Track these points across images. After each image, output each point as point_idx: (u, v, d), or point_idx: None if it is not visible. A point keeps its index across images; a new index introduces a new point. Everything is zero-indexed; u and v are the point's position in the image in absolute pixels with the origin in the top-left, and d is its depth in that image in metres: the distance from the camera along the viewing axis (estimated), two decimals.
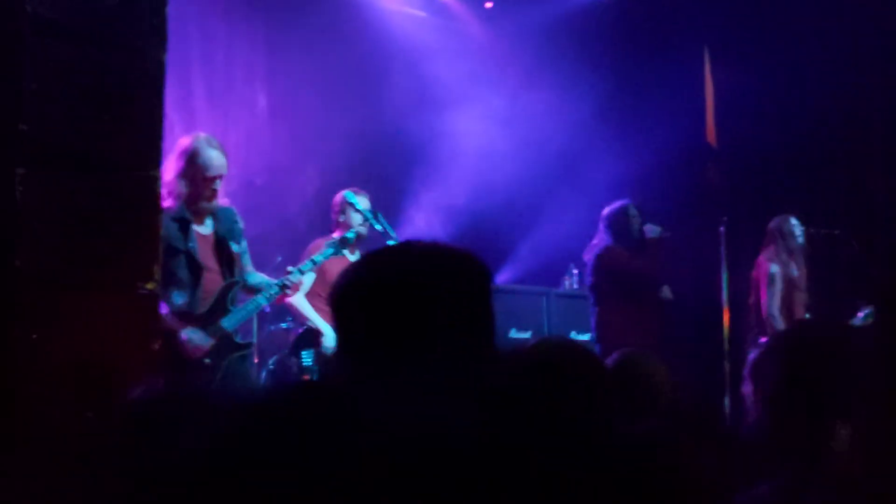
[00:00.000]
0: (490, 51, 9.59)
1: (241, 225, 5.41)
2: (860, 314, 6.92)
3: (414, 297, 1.75)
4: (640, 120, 9.17)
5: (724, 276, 7.10)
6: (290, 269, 5.58)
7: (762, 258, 7.30)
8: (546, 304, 8.23)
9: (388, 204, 7.50)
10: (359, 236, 6.37)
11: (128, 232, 3.24)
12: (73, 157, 3.20)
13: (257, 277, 5.46)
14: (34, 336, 3.02)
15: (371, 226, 6.35)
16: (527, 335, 7.63)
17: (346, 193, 6.53)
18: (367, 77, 8.84)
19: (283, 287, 5.37)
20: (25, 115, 3.12)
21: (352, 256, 6.38)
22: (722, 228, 7.22)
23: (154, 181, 3.37)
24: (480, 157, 8.80)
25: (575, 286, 8.66)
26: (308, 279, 6.31)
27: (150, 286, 3.28)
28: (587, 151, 9.13)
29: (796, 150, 8.78)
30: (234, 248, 5.26)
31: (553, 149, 9.14)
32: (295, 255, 7.43)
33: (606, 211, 7.34)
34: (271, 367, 7.00)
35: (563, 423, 1.99)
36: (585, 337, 7.48)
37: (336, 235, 6.43)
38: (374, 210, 6.42)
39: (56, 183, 3.16)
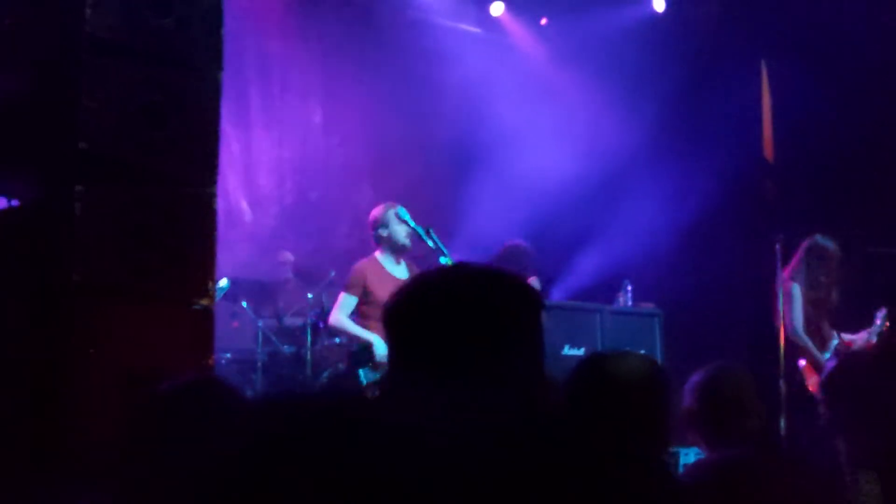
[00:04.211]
0: (546, 66, 9.59)
1: None
2: (878, 320, 6.82)
3: (464, 320, 1.77)
4: (697, 134, 9.10)
5: (795, 293, 6.96)
6: None
7: (786, 274, 7.13)
8: (600, 320, 8.16)
9: (443, 218, 7.51)
10: (402, 248, 6.37)
11: (182, 247, 3.28)
12: (130, 173, 3.26)
13: None
14: (90, 349, 3.07)
15: (423, 242, 6.32)
16: (580, 352, 7.58)
17: (382, 209, 6.46)
18: (421, 93, 8.88)
19: None
20: (84, 133, 3.17)
21: (397, 268, 6.38)
22: (778, 245, 7.12)
23: (210, 197, 3.41)
24: (536, 172, 8.79)
25: (629, 303, 8.60)
26: (351, 302, 6.34)
27: (204, 302, 3.32)
28: (644, 167, 9.08)
29: (854, 166, 8.65)
30: None
31: (609, 164, 9.10)
32: (349, 268, 7.49)
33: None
34: (325, 380, 7.04)
35: (609, 449, 1.98)
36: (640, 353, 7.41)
37: (378, 253, 6.43)
38: (427, 226, 6.36)
39: (113, 198, 3.21)
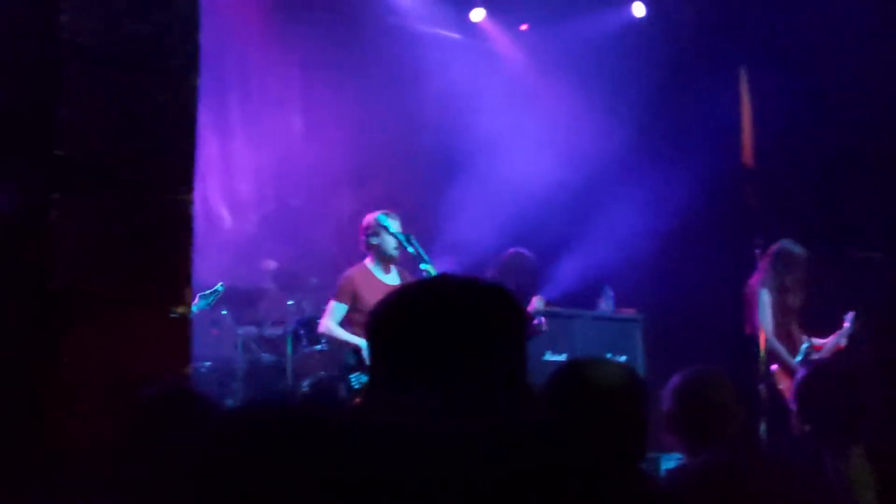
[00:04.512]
0: (527, 72, 9.60)
1: None
2: (846, 323, 6.87)
3: (446, 331, 1.78)
4: (677, 140, 9.12)
5: (764, 298, 7.01)
6: None
7: (755, 280, 7.16)
8: (581, 326, 8.18)
9: (424, 225, 7.50)
10: (390, 258, 6.37)
11: (159, 254, 3.27)
12: (106, 180, 3.24)
13: None
14: (66, 357, 3.05)
15: (404, 249, 6.32)
16: (561, 357, 7.59)
17: (378, 216, 6.44)
18: (402, 99, 8.88)
19: None
20: (60, 139, 3.16)
21: (387, 276, 6.38)
22: (757, 251, 7.15)
23: (187, 204, 3.40)
24: (518, 178, 8.79)
25: (611, 308, 8.61)
26: (341, 310, 6.34)
27: (181, 309, 3.30)
28: (625, 172, 9.10)
29: (833, 172, 8.69)
30: None
31: (590, 170, 9.11)
32: (330, 276, 7.47)
33: None
34: (306, 388, 7.01)
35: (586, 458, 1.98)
36: (621, 359, 7.42)
37: (368, 261, 6.43)
38: (408, 233, 6.36)
39: (89, 205, 3.19)
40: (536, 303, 7.13)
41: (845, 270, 7.25)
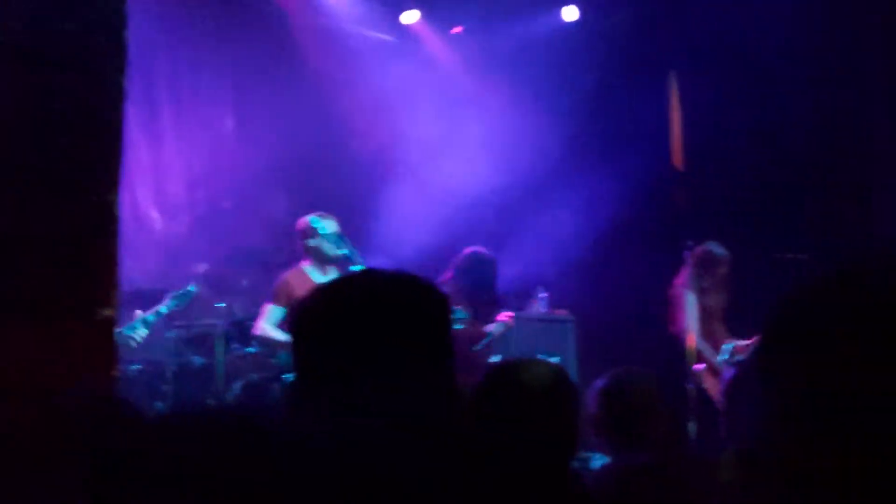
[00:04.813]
0: (460, 75, 9.62)
1: None
2: (724, 352, 6.92)
3: (372, 326, 1.78)
4: (609, 144, 9.21)
5: (689, 300, 7.10)
6: (139, 314, 5.74)
7: (679, 282, 7.27)
8: (514, 327, 8.20)
9: (357, 228, 7.48)
10: (328, 260, 6.32)
11: (84, 257, 3.21)
12: (29, 181, 3.17)
13: None
14: None
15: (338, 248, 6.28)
16: (495, 358, 7.60)
17: (310, 219, 6.40)
18: (335, 100, 8.84)
19: (127, 338, 5.64)
20: None
21: (324, 279, 6.32)
22: (687, 253, 7.24)
23: (112, 205, 3.34)
24: (451, 180, 8.80)
25: (543, 310, 8.65)
26: (277, 312, 6.28)
27: (107, 312, 3.25)
28: (558, 176, 9.15)
29: (762, 174, 8.83)
30: None
31: (524, 173, 9.15)
32: (262, 279, 7.41)
33: None
34: (237, 391, 6.94)
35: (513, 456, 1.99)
36: (554, 360, 7.45)
37: (305, 263, 6.38)
38: (341, 233, 6.33)
39: (9, 206, 3.12)
40: (495, 327, 7.16)
41: (772, 272, 7.37)
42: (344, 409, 1.71)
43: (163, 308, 6.13)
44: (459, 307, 6.61)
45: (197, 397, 6.64)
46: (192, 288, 6.51)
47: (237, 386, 6.98)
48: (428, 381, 1.80)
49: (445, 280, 7.16)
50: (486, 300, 7.18)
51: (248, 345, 7.06)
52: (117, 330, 5.65)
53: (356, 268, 6.11)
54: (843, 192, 8.82)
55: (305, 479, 1.01)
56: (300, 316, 1.88)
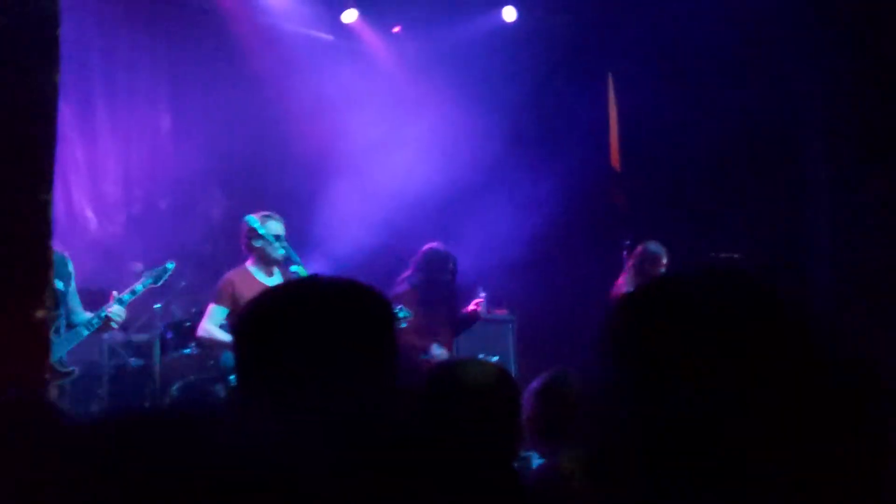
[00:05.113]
0: (400, 75, 9.61)
1: (71, 269, 5.69)
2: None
3: (315, 330, 1.79)
4: (549, 143, 9.27)
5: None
6: (115, 294, 5.71)
7: (620, 281, 7.34)
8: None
9: (297, 227, 7.42)
10: (273, 261, 6.24)
11: (15, 257, 3.15)
12: None
13: (83, 317, 5.72)
14: None
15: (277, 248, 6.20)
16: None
17: (252, 219, 6.29)
18: (272, 99, 8.77)
19: (107, 319, 5.60)
20: None
21: (269, 279, 6.25)
22: (625, 252, 7.31)
23: (45, 204, 3.28)
24: (391, 180, 8.79)
25: (484, 309, 8.67)
26: (220, 313, 6.19)
27: (40, 313, 3.19)
28: (498, 175, 9.18)
29: (698, 174, 8.95)
30: (59, 286, 5.40)
31: (464, 173, 9.17)
32: (200, 278, 7.33)
33: None
34: (175, 393, 6.87)
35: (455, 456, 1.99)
36: (494, 360, 7.49)
37: (249, 263, 6.29)
38: (278, 234, 6.23)
39: None
40: (482, 306, 7.35)
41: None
42: (286, 411, 1.71)
43: (138, 286, 5.99)
44: (401, 306, 6.60)
45: (133, 400, 6.56)
46: (170, 265, 6.34)
47: (175, 388, 6.90)
48: (370, 384, 1.82)
49: (404, 277, 7.17)
50: (443, 295, 7.21)
51: (186, 346, 6.98)
52: (97, 311, 5.70)
53: (294, 268, 6.06)
54: (775, 190, 8.96)
55: (243, 482, 1.00)
56: (243, 320, 1.88)
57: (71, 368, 5.66)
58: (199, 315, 6.94)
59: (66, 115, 7.92)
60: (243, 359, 1.87)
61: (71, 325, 5.66)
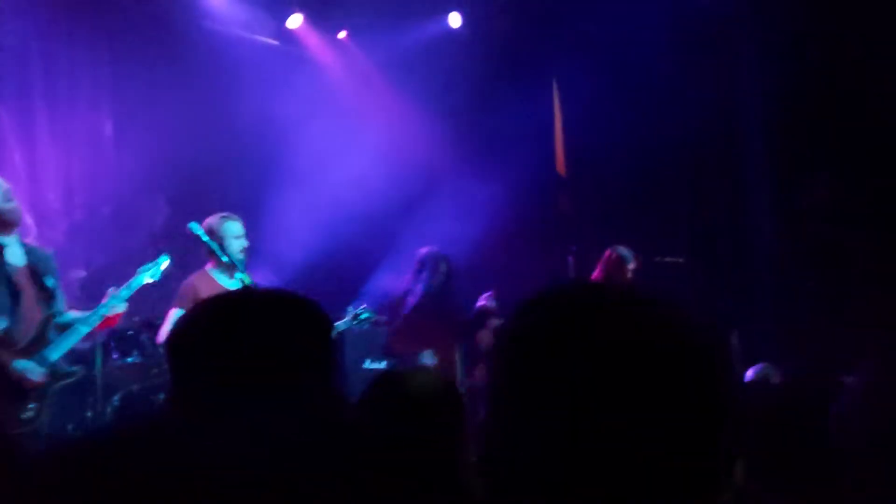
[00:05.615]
0: (346, 80, 9.58)
1: (55, 266, 5.59)
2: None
3: (251, 345, 1.79)
4: (495, 149, 9.29)
5: None
6: (111, 291, 5.58)
7: None
8: None
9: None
10: (236, 264, 6.12)
11: None
12: None
13: (71, 316, 5.56)
14: None
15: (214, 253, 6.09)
16: (381, 365, 7.60)
17: (224, 218, 6.16)
18: (216, 105, 8.69)
19: (104, 315, 5.47)
20: None
21: (231, 282, 6.15)
22: (570, 257, 7.35)
23: None
24: (337, 186, 8.76)
25: None
26: (174, 315, 6.10)
27: None
28: (444, 181, 9.20)
29: (642, 180, 9.02)
30: (50, 282, 5.35)
31: (411, 179, 9.17)
32: (142, 287, 7.24)
33: None
34: (116, 403, 6.76)
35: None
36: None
37: (210, 266, 6.19)
38: (218, 240, 6.11)
39: None
40: (490, 300, 7.41)
41: (653, 275, 7.54)
42: (223, 423, 1.70)
43: (133, 283, 5.85)
44: (365, 305, 6.64)
45: (75, 410, 6.45)
46: (162, 258, 6.16)
47: (116, 398, 6.80)
48: (305, 395, 1.82)
49: (408, 285, 7.25)
50: (439, 298, 7.26)
51: (129, 355, 6.89)
52: (92, 310, 5.54)
53: (239, 275, 6.01)
54: (718, 195, 9.06)
55: (182, 495, 0.99)
56: (177, 336, 1.87)
57: (73, 369, 5.50)
58: (142, 324, 6.87)
59: (4, 120, 7.80)
60: (177, 373, 1.86)
61: (60, 326, 5.46)
